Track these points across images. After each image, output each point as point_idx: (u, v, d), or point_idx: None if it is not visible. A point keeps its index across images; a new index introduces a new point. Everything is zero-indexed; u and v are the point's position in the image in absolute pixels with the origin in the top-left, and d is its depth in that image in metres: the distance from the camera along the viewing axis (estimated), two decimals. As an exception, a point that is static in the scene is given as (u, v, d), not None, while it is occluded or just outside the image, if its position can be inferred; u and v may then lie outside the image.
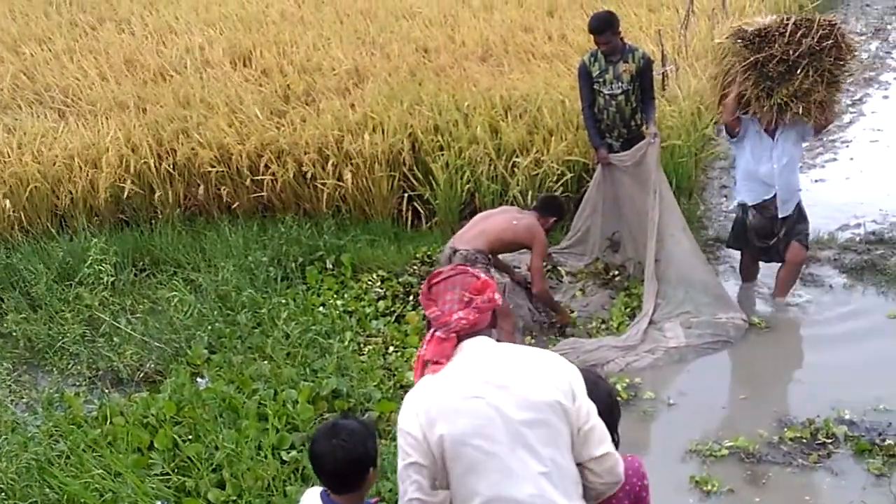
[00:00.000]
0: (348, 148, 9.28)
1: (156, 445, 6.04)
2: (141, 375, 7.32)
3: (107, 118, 10.23)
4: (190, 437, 6.11)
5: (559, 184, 8.87)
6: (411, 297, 7.97)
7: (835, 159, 10.61)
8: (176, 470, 5.86)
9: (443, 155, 9.14)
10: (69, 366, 7.52)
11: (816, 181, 10.02)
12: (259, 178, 9.41)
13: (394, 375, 6.92)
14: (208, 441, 5.98)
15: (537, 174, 8.89)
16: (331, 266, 8.60)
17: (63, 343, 7.64)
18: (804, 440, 5.99)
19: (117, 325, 7.78)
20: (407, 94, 10.10)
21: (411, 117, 9.62)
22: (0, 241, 9.13)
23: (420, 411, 3.24)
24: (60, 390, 7.16)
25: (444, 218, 9.13)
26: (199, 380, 6.92)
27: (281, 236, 8.84)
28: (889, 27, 16.20)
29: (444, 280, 3.39)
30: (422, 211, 9.33)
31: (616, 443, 3.47)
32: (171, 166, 9.57)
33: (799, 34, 6.86)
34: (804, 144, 7.64)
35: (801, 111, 6.95)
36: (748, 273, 8.04)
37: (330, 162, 9.28)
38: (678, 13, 12.24)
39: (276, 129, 9.67)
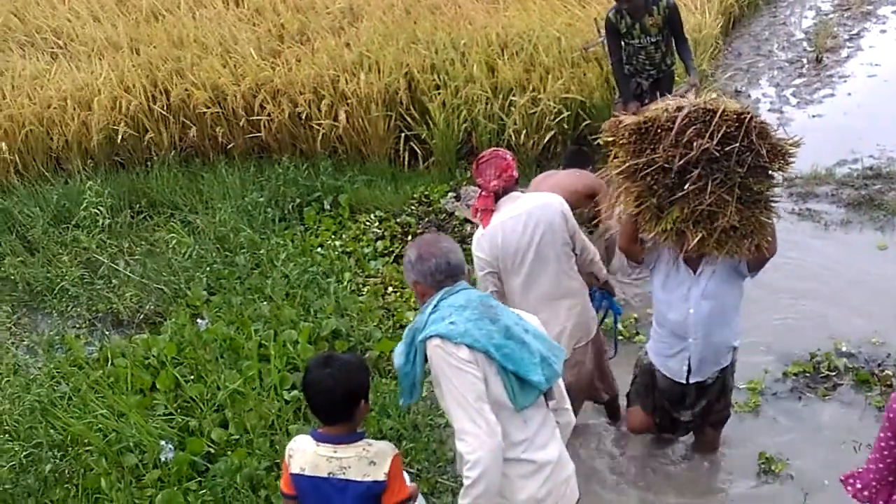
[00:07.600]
0: (344, 88, 9.21)
1: (158, 386, 6.10)
2: (141, 317, 7.36)
3: (100, 59, 10.12)
4: (192, 377, 6.17)
5: (556, 121, 8.82)
6: (409, 237, 7.98)
7: (832, 94, 10.51)
8: (179, 410, 5.93)
9: (439, 94, 9.07)
10: (69, 308, 7.55)
11: (814, 116, 9.96)
12: (254, 118, 9.34)
13: (393, 315, 6.94)
14: (210, 381, 6.03)
15: (534, 113, 8.83)
16: (328, 207, 8.59)
17: (62, 285, 7.65)
18: (808, 374, 6.08)
19: (116, 267, 7.80)
20: (402, 32, 9.98)
21: (407, 56, 9.52)
22: (-4, 184, 9.08)
23: (488, 239, 4.98)
24: (61, 332, 7.21)
25: (441, 158, 9.09)
26: (199, 321, 6.96)
27: (278, 177, 8.81)
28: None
29: (485, 161, 4.98)
30: (419, 151, 9.27)
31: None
32: (165, 108, 9.50)
33: (690, 132, 4.46)
34: (744, 282, 5.01)
35: (712, 243, 4.57)
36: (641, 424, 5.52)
37: (324, 101, 9.20)
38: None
39: (270, 69, 9.58)
